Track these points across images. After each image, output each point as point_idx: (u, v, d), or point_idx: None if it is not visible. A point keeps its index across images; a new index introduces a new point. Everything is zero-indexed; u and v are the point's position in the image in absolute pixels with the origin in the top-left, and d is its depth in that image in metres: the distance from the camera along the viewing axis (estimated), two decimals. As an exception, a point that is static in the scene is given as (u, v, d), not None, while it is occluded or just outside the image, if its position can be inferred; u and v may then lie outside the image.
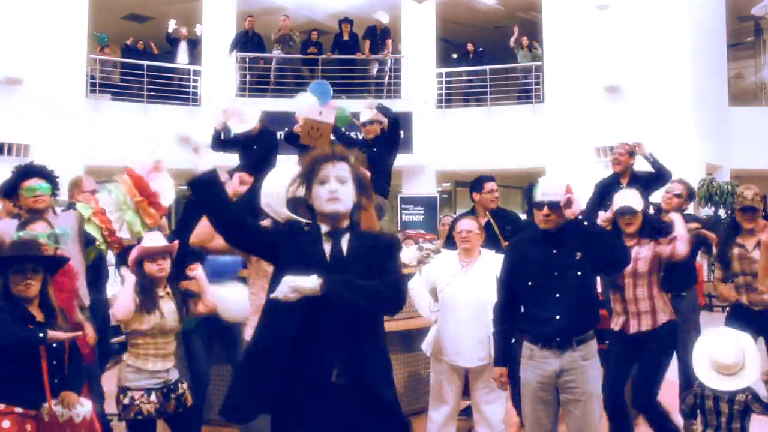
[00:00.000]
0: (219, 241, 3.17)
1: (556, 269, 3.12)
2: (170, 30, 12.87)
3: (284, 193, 3.05)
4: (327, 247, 2.36)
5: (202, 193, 2.36)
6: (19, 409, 2.83)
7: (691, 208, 10.81)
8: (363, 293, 2.27)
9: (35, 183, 3.67)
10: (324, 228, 2.38)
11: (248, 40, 12.54)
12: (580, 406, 3.08)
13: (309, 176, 2.38)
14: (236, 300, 3.57)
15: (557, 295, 3.10)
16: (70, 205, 4.26)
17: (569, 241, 3.12)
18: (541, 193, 3.12)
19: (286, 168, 3.35)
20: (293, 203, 2.57)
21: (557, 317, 3.08)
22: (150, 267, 3.38)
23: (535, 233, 3.24)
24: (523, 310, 3.26)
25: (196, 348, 4.24)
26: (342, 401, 2.29)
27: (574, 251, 3.11)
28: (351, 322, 2.29)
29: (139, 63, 12.38)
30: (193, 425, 4.13)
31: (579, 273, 3.10)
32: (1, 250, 3.07)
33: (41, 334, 2.74)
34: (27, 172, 3.74)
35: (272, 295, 2.26)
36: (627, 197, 3.85)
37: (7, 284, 2.92)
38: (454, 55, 13.92)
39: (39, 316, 2.95)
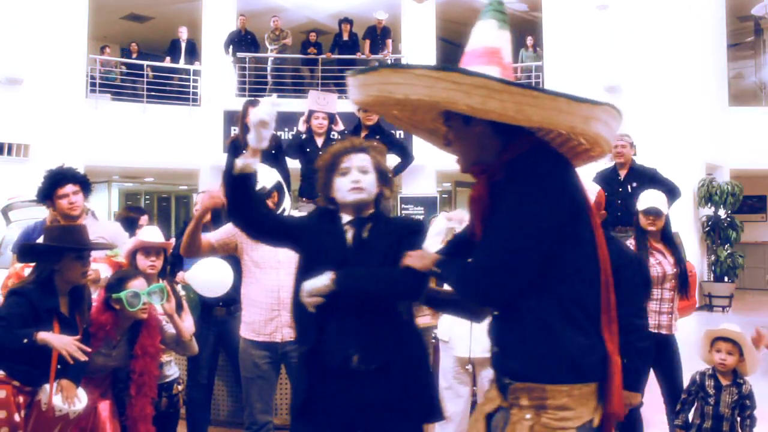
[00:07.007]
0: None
1: None
2: (180, 37, 12.76)
3: None
4: (349, 235, 2.36)
5: (236, 190, 2.33)
6: (16, 382, 2.82)
7: (690, 208, 10.88)
8: (378, 281, 2.27)
9: (69, 189, 3.59)
10: (346, 218, 2.39)
11: (241, 39, 12.49)
12: None
13: (330, 169, 2.39)
14: (207, 279, 3.64)
15: None
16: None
17: None
18: None
19: None
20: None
21: None
22: (143, 261, 3.36)
23: None
24: None
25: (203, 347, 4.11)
26: (365, 387, 2.27)
27: None
28: (366, 309, 2.27)
29: (139, 63, 12.38)
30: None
31: None
32: (55, 236, 2.98)
33: (25, 340, 2.69)
34: (59, 177, 3.62)
35: (302, 300, 2.26)
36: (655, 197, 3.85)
37: (52, 271, 2.89)
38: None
39: (64, 309, 2.93)
